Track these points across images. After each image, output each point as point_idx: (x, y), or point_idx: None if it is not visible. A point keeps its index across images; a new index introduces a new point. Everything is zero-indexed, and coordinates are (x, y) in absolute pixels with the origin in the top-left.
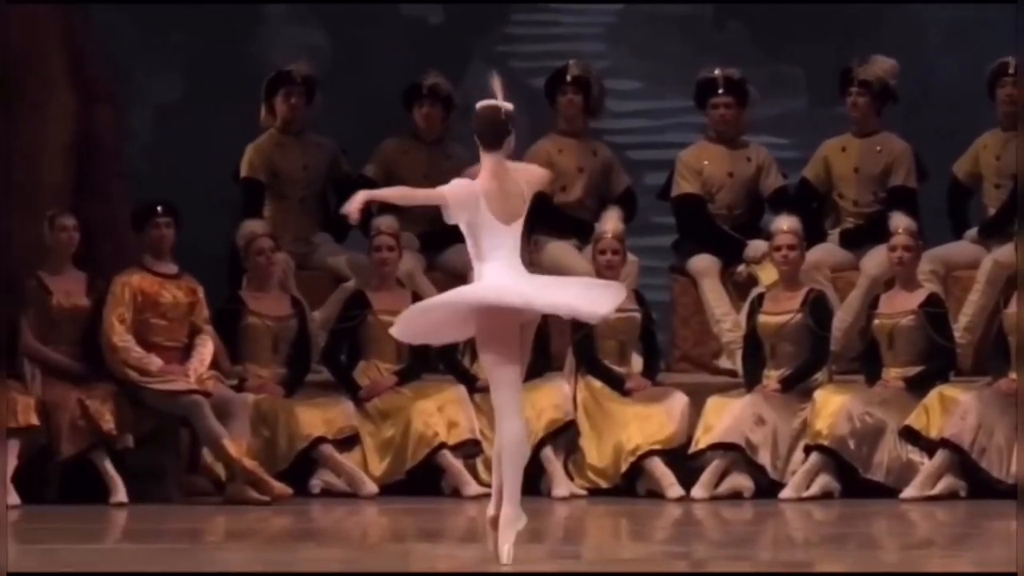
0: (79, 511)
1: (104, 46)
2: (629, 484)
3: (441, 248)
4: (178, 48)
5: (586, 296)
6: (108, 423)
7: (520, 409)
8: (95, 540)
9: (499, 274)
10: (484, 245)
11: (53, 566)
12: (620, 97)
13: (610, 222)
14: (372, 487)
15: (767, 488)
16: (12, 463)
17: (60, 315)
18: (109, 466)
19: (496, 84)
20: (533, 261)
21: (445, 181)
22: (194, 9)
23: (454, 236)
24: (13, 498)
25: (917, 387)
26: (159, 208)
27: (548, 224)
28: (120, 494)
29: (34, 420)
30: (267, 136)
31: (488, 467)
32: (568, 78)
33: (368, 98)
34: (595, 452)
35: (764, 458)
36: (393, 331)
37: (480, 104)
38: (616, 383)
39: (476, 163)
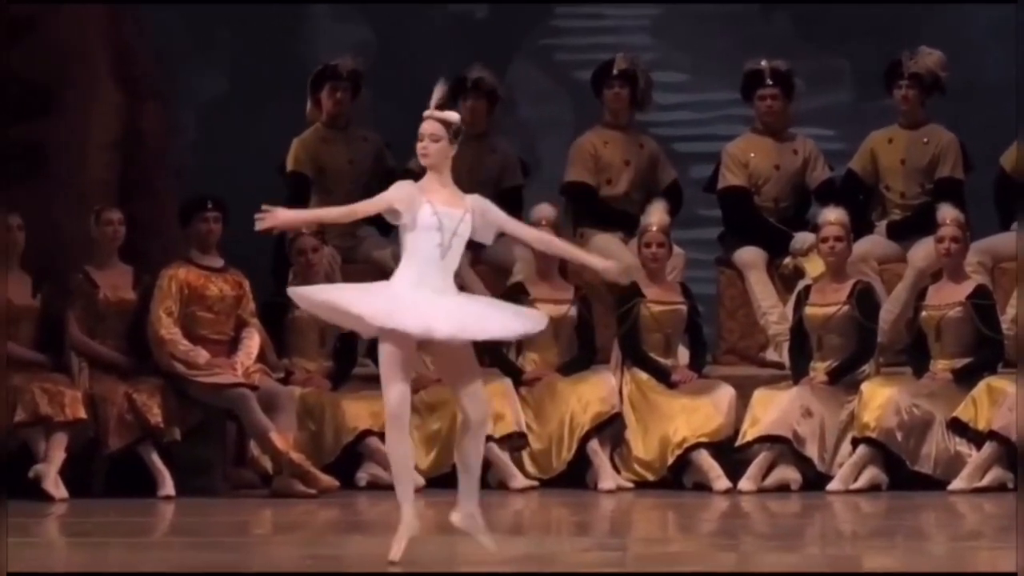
0: (126, 504)
1: (150, 43)
2: (676, 477)
3: None
4: (224, 45)
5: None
6: (155, 416)
7: (405, 421)
8: (142, 534)
9: (407, 284)
10: (409, 247)
11: (100, 560)
12: (666, 90)
13: (656, 215)
14: (419, 479)
15: (814, 481)
16: (60, 457)
17: (107, 309)
18: (156, 459)
19: (437, 92)
20: None
21: (489, 174)
22: (240, 6)
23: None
24: (61, 492)
25: (965, 379)
26: (208, 203)
27: (594, 217)
28: (167, 487)
29: (81, 414)
30: (313, 131)
31: (535, 460)
32: (615, 71)
33: (413, 92)
34: (641, 445)
35: (811, 450)
36: (293, 292)
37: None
38: (662, 376)
39: (520, 156)
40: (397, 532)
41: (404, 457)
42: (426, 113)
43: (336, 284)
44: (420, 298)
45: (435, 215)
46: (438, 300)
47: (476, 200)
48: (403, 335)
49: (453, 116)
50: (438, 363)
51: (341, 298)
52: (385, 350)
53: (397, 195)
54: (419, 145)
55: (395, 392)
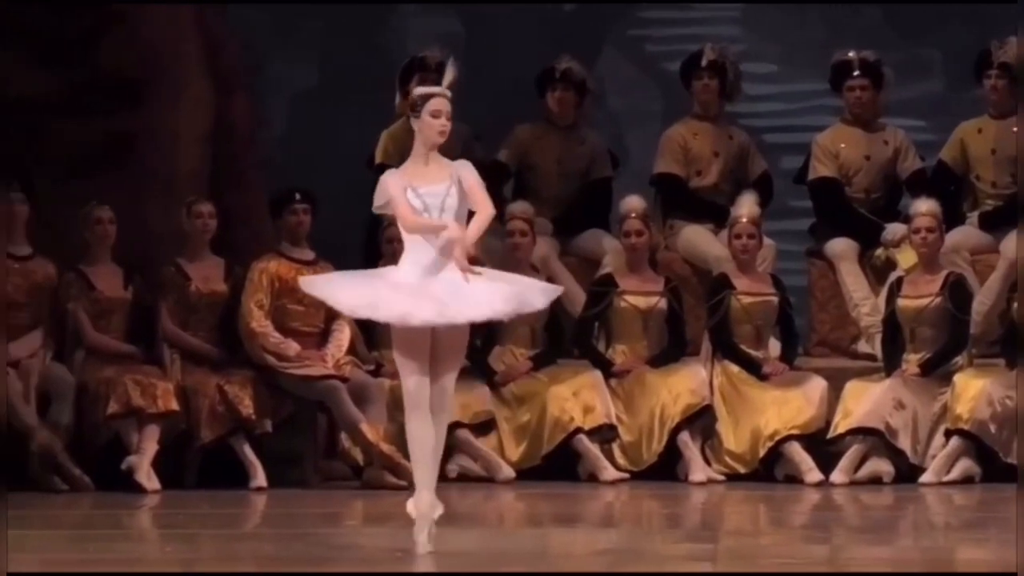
0: (218, 496)
1: (239, 36)
2: (767, 469)
3: (575, 232)
4: (313, 37)
5: (499, 294)
6: (247, 408)
7: (424, 406)
8: (234, 525)
9: (404, 269)
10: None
11: (192, 551)
12: (756, 80)
13: (746, 206)
14: (509, 472)
15: (907, 473)
16: (152, 448)
17: (199, 301)
18: (248, 451)
19: (450, 71)
20: (668, 246)
21: (578, 166)
22: None
23: (589, 221)
24: (154, 484)
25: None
26: (297, 195)
27: (684, 208)
28: (259, 479)
29: (174, 405)
30: (401, 123)
31: (625, 452)
32: (703, 62)
33: (502, 84)
34: (732, 437)
35: (904, 443)
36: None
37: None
38: (753, 368)
39: (609, 148)
40: (416, 523)
41: (424, 442)
42: (440, 92)
43: (344, 272)
44: (410, 284)
45: (418, 198)
46: (430, 284)
47: (457, 166)
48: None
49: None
50: (433, 342)
51: (328, 289)
52: (397, 336)
53: (396, 189)
54: (436, 122)
55: (411, 378)
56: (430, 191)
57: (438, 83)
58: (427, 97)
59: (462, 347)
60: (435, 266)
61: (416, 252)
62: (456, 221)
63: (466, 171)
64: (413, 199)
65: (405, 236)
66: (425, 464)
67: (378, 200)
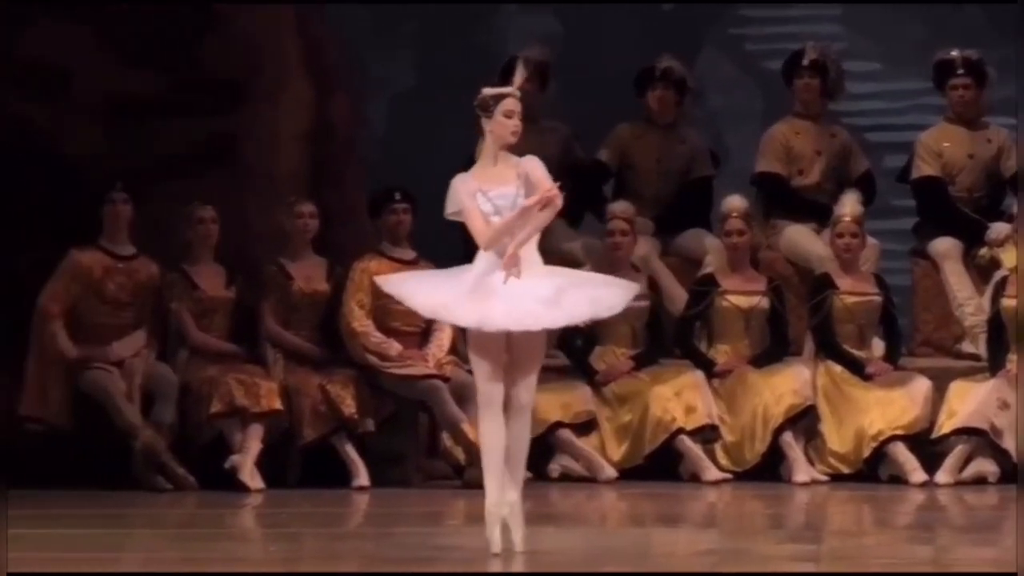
0: (321, 495)
1: (339, 36)
2: (871, 469)
3: (676, 232)
4: (412, 37)
5: (585, 299)
6: (349, 408)
7: (497, 407)
8: (337, 524)
9: (480, 270)
10: None
11: (295, 550)
12: (858, 79)
13: (848, 205)
14: (610, 471)
15: (1012, 473)
16: (256, 448)
17: (300, 300)
18: (350, 450)
19: (520, 71)
20: (770, 245)
21: (678, 165)
22: None
23: (690, 220)
24: (257, 482)
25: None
26: (397, 195)
27: (786, 208)
28: (361, 478)
29: (277, 405)
30: None
31: (728, 452)
32: (805, 61)
33: (601, 83)
34: (836, 437)
35: (1009, 443)
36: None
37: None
38: (857, 368)
39: (709, 147)
40: (486, 523)
41: (493, 443)
42: (510, 89)
43: (420, 272)
44: (486, 285)
45: (488, 202)
46: (506, 287)
47: (523, 162)
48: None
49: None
50: (510, 345)
51: (404, 288)
52: (472, 338)
53: (467, 198)
54: (509, 122)
55: (485, 379)
56: (500, 193)
57: (537, 83)
58: (499, 98)
59: (539, 350)
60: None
61: (490, 256)
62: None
63: (531, 165)
64: (484, 204)
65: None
66: (495, 464)
67: (449, 207)
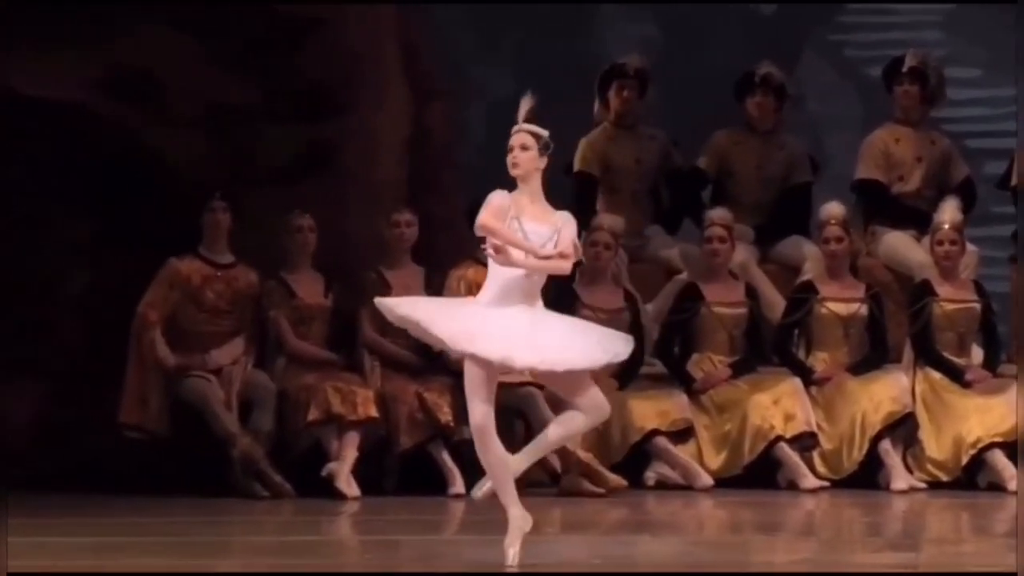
0: (418, 502)
1: (438, 43)
2: (969, 477)
3: (775, 239)
4: (511, 44)
5: (576, 346)
6: (445, 415)
7: (491, 432)
8: (434, 531)
9: (491, 302)
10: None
11: (392, 557)
12: (958, 85)
13: (948, 212)
14: (707, 479)
15: None
16: (352, 455)
17: None
18: (447, 458)
19: (524, 104)
20: (870, 252)
21: (777, 171)
22: (528, 5)
23: (788, 227)
24: (353, 490)
25: None
26: None
27: (885, 214)
28: (458, 485)
29: (373, 412)
30: (600, 130)
31: (825, 460)
32: (905, 68)
33: (700, 89)
34: (935, 445)
35: None
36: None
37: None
38: (956, 375)
39: (809, 153)
40: (508, 535)
41: (499, 464)
42: (516, 128)
43: (422, 298)
44: (502, 320)
45: (520, 231)
46: (519, 323)
47: (562, 219)
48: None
49: (543, 131)
50: (543, 378)
51: (424, 316)
52: (469, 368)
53: (498, 206)
54: (509, 156)
55: (478, 411)
56: (535, 230)
57: (636, 90)
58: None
59: (571, 377)
60: (523, 301)
61: (503, 283)
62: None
63: (568, 228)
64: (515, 228)
65: (492, 265)
66: (509, 482)
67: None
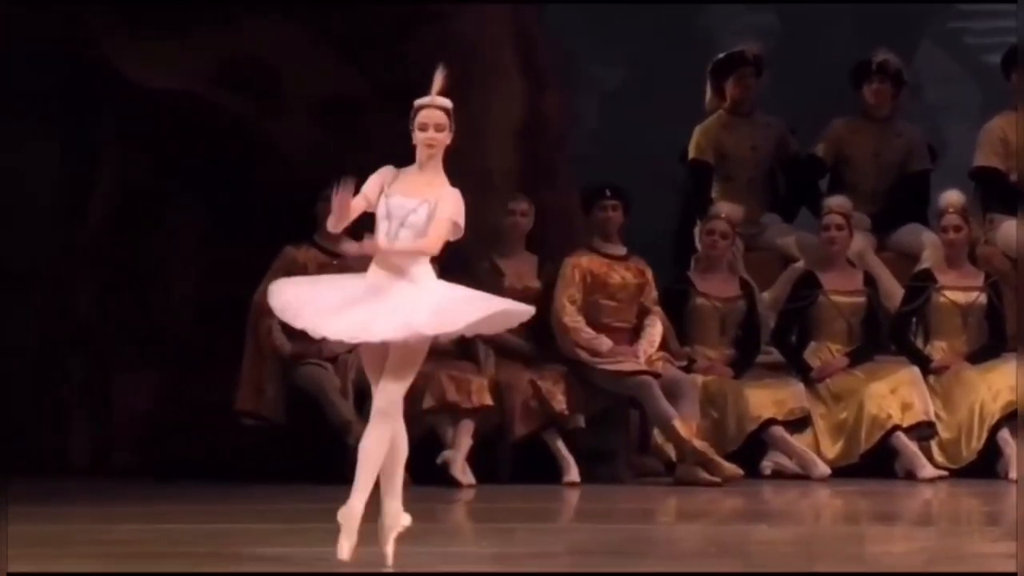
0: (532, 491)
1: (552, 32)
2: None
3: (893, 227)
4: (624, 33)
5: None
6: (560, 404)
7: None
8: (548, 519)
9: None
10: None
11: (506, 544)
12: None
13: None
14: (824, 469)
15: None
16: (467, 443)
17: (512, 296)
18: (561, 446)
19: (438, 79)
20: (988, 240)
21: (895, 159)
22: None
23: (906, 215)
24: (468, 478)
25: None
26: (606, 191)
27: (1004, 202)
28: (572, 474)
29: (488, 401)
30: (715, 118)
31: (943, 449)
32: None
33: (817, 77)
34: None
35: None
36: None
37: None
38: None
39: (927, 141)
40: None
41: (374, 455)
42: (427, 102)
43: (319, 277)
44: (349, 295)
45: (385, 204)
46: (367, 298)
47: (443, 193)
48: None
49: (448, 103)
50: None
51: (275, 286)
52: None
53: (372, 185)
54: (424, 136)
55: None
56: (400, 204)
57: (755, 77)
58: (417, 109)
59: (398, 361)
60: (386, 277)
61: (378, 260)
62: (414, 237)
63: (446, 202)
64: (382, 203)
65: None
66: (369, 476)
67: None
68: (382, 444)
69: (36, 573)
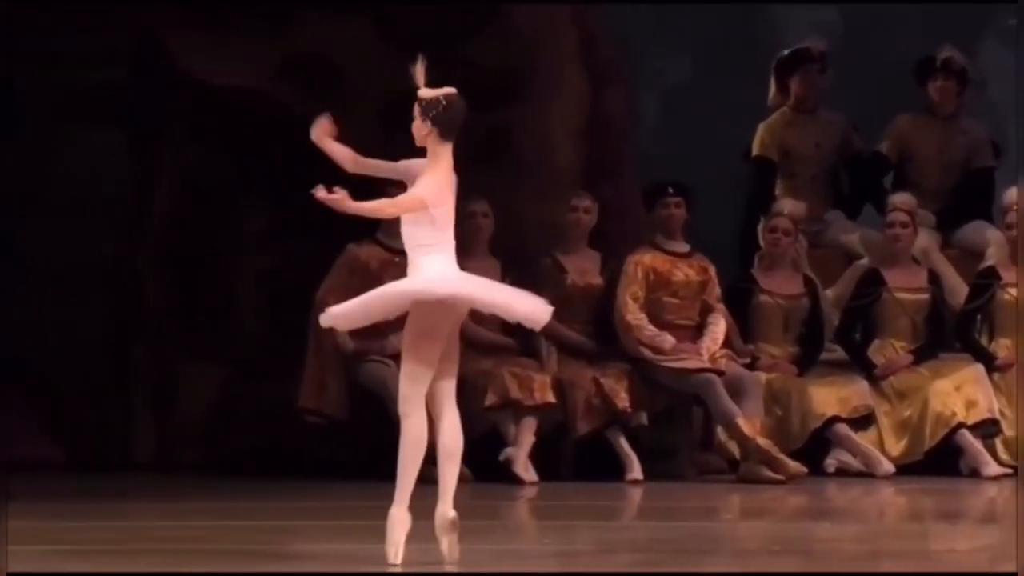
0: (594, 488)
1: (614, 29)
2: None
3: (957, 224)
4: (687, 29)
5: (521, 300)
6: (623, 401)
7: (423, 405)
8: (611, 517)
9: (442, 267)
10: (430, 235)
11: (569, 541)
12: None
13: None
14: (888, 466)
15: None
16: (530, 440)
17: (574, 293)
18: (624, 443)
19: (419, 69)
20: None
21: (959, 156)
22: None
23: (971, 212)
24: (531, 475)
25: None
26: (669, 188)
27: None
28: (635, 471)
29: (550, 398)
30: (779, 114)
31: (1007, 447)
32: None
33: (881, 73)
34: None
35: None
36: (325, 320)
37: (448, 92)
38: None
39: (991, 138)
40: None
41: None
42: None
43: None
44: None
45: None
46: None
47: (419, 165)
48: (439, 316)
49: (430, 94)
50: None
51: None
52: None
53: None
54: (414, 124)
55: (422, 370)
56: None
57: (819, 74)
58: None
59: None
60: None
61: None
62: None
63: (421, 181)
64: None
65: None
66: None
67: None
68: (404, 447)
69: (37, 573)
